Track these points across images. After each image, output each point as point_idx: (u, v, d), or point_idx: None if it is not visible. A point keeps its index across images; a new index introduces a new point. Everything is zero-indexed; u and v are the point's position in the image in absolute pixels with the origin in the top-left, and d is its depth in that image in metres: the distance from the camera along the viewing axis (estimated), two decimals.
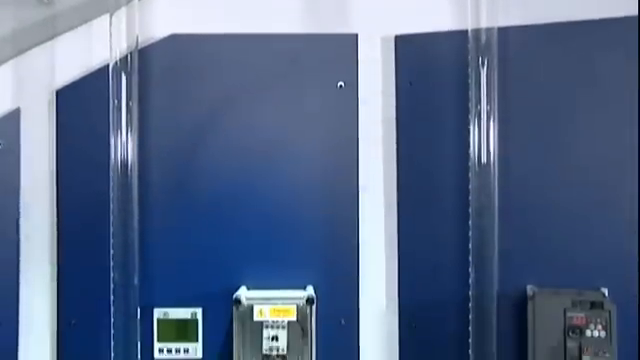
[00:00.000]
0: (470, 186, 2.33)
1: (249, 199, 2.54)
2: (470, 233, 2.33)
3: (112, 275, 2.43)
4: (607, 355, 2.19)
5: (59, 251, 2.52)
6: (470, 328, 2.33)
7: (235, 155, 2.56)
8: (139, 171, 2.45)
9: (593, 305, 2.24)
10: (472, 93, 2.32)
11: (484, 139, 2.32)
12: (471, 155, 2.33)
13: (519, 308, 2.37)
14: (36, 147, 2.53)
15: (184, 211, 2.54)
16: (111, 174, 2.39)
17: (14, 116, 2.52)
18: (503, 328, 2.35)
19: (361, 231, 2.51)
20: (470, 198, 2.33)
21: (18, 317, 2.49)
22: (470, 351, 2.34)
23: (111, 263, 2.41)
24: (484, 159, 2.32)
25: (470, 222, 2.33)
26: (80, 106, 2.53)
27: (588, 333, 2.23)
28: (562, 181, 2.40)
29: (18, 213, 2.51)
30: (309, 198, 2.54)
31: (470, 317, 2.33)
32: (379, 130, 2.54)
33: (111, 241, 2.40)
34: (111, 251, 2.41)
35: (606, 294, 2.30)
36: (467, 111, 2.34)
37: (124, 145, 2.40)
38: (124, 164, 2.40)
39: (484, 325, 2.33)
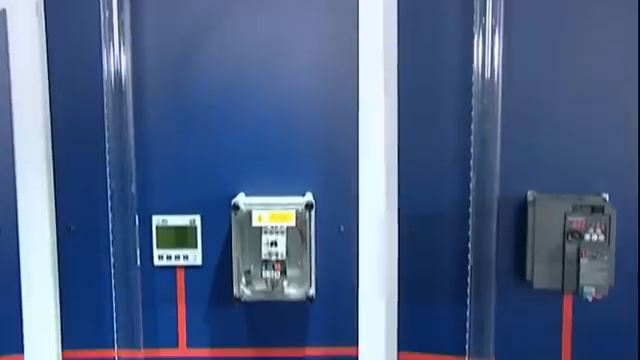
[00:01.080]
0: (473, 89, 2.27)
1: (247, 106, 2.48)
2: (472, 137, 2.29)
3: (109, 182, 2.41)
4: (605, 258, 2.20)
5: (54, 157, 2.48)
6: (470, 233, 2.33)
7: (232, 62, 2.48)
8: (133, 78, 2.40)
9: (594, 209, 2.23)
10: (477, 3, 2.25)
11: (488, 49, 2.26)
12: (475, 61, 2.27)
13: (519, 214, 2.37)
14: (26, 49, 2.43)
15: (181, 118, 2.49)
16: (104, 78, 2.33)
17: None
18: (502, 234, 2.36)
19: (361, 138, 2.46)
20: (473, 101, 2.28)
21: (17, 224, 2.47)
22: (469, 255, 2.35)
23: (107, 169, 2.39)
24: (488, 69, 2.26)
25: (472, 126, 2.29)
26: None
27: (587, 237, 2.23)
28: (564, 90, 2.35)
29: (11, 120, 2.45)
30: (308, 105, 2.49)
31: (470, 222, 2.33)
32: (380, 37, 2.45)
33: (107, 147, 2.36)
34: (107, 157, 2.37)
35: (607, 199, 2.28)
36: (471, 22, 2.27)
37: (117, 53, 2.33)
38: (117, 72, 2.34)
39: (484, 230, 2.32)
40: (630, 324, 2.34)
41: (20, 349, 2.50)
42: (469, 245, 2.35)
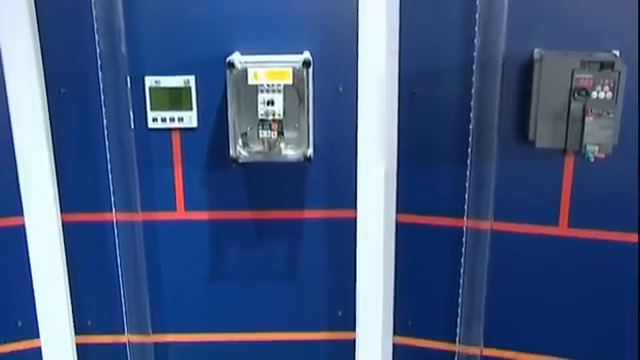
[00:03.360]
0: None
1: None
2: None
3: (97, 40, 2.30)
4: (611, 116, 2.14)
5: (39, 18, 2.35)
6: (473, 91, 2.26)
7: None
8: None
9: (603, 66, 2.15)
10: None
11: None
12: None
13: (524, 72, 2.28)
14: None
15: None
16: None
17: None
18: (506, 93, 2.29)
19: None
20: None
21: (5, 86, 2.39)
22: (471, 115, 2.29)
23: (95, 26, 2.27)
24: None
25: None
26: None
27: (594, 95, 2.16)
28: None
29: None
30: None
31: (473, 80, 2.25)
32: None
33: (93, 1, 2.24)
34: (94, 12, 2.25)
35: (618, 55, 2.19)
36: None
37: None
38: None
39: (487, 89, 2.26)
40: (629, 187, 2.32)
41: (19, 211, 2.50)
42: (472, 104, 2.28)
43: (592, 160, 2.21)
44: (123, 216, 2.49)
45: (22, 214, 2.50)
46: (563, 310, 2.48)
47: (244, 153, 2.35)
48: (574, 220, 2.40)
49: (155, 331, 2.64)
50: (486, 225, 2.38)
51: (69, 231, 2.56)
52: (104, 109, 2.37)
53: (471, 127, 2.30)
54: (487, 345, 2.53)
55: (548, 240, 2.42)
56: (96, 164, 2.49)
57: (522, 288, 2.50)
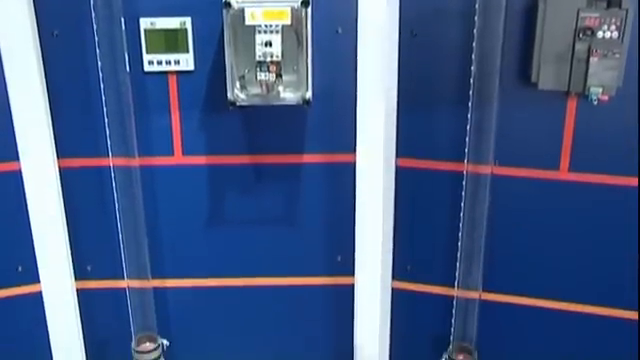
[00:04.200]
0: None
1: None
2: None
3: None
4: (617, 56, 2.10)
5: None
6: (475, 31, 2.21)
7: None
8: None
9: (610, 4, 2.09)
10: None
11: None
12: None
13: (528, 12, 2.23)
14: None
15: None
16: None
17: None
18: (509, 34, 2.23)
19: None
20: None
21: None
22: (473, 56, 2.24)
23: None
24: None
25: None
26: None
27: (600, 35, 2.12)
28: None
29: None
30: None
31: (475, 19, 2.20)
32: None
33: None
34: None
35: None
36: None
37: None
38: None
39: (490, 29, 2.20)
40: (632, 130, 2.29)
41: (15, 157, 2.47)
42: (474, 45, 2.23)
43: (595, 103, 2.18)
44: (120, 161, 2.46)
45: (18, 159, 2.47)
46: (562, 254, 2.49)
47: (242, 96, 2.30)
48: (575, 164, 2.38)
49: (155, 276, 2.64)
50: (486, 169, 2.36)
51: (66, 176, 2.54)
52: (98, 51, 2.32)
53: (473, 69, 2.26)
54: (486, 289, 2.54)
55: (548, 184, 2.41)
56: (92, 108, 2.45)
57: (522, 232, 2.50)
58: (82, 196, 2.58)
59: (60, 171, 2.53)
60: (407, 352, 2.78)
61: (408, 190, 2.55)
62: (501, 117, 2.31)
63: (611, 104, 2.20)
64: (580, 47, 2.12)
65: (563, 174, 2.39)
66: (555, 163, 2.39)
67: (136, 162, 2.47)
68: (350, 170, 2.52)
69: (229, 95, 2.28)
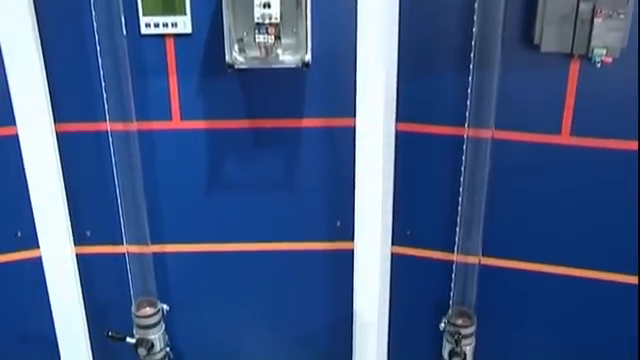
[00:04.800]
0: None
1: None
2: None
3: None
4: (622, 16, 2.06)
5: None
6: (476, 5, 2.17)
7: None
8: None
9: None
10: None
11: None
12: None
13: None
14: None
15: None
16: None
17: None
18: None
19: None
20: None
21: None
22: (475, 18, 2.20)
23: None
24: None
25: None
26: None
27: None
28: None
29: None
30: None
31: None
32: None
33: None
34: None
35: None
36: None
37: None
38: None
39: None
40: (635, 94, 2.26)
41: (12, 121, 2.45)
42: (475, 6, 2.19)
43: (599, 65, 2.15)
44: (118, 126, 2.44)
45: (15, 123, 2.45)
46: (563, 219, 2.48)
47: (240, 59, 2.27)
48: (577, 128, 2.36)
49: (154, 241, 2.64)
50: (487, 133, 2.34)
51: (64, 141, 2.53)
52: (94, 13, 2.28)
53: (474, 31, 2.22)
54: (485, 254, 2.54)
55: (549, 148, 2.39)
56: (89, 72, 2.42)
57: (522, 197, 2.49)
58: (80, 161, 2.57)
59: (57, 136, 2.51)
60: (406, 317, 2.79)
61: (408, 155, 2.53)
62: (502, 80, 2.28)
63: (615, 66, 2.17)
64: (584, 7, 2.09)
65: (565, 138, 2.37)
66: (557, 127, 2.36)
67: (134, 126, 2.45)
68: (350, 134, 2.49)
69: (227, 58, 2.24)
